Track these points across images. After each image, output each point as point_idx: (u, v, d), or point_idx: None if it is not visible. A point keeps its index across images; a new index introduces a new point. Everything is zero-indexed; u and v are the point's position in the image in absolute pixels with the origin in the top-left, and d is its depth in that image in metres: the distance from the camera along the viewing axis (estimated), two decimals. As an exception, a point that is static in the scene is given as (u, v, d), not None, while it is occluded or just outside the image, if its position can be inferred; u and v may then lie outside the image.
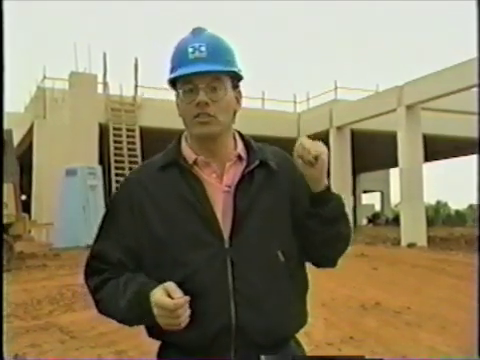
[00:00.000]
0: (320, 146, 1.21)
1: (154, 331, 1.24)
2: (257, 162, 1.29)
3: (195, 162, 1.28)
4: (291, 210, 1.31)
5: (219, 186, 1.27)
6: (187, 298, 1.12)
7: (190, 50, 1.24)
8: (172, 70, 1.28)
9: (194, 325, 1.17)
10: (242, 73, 1.31)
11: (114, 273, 1.25)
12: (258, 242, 1.24)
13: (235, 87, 1.30)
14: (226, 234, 1.23)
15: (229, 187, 1.27)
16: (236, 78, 1.30)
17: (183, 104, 1.26)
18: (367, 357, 1.38)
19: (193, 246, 1.21)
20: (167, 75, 1.29)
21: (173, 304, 1.10)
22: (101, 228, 1.33)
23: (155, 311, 1.13)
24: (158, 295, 1.13)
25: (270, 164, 1.30)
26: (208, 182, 1.26)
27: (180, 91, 1.26)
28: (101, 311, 1.28)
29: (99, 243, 1.31)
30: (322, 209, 1.25)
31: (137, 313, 1.18)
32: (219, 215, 1.24)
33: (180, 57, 1.26)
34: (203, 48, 1.23)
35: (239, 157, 1.31)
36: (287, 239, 1.28)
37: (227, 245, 1.22)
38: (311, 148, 1.19)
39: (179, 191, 1.25)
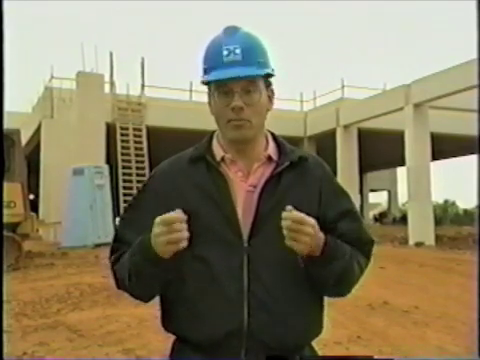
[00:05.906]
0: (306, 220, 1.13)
1: (170, 322, 1.27)
2: (286, 164, 1.27)
3: (222, 159, 1.28)
4: (318, 216, 1.26)
5: (243, 185, 1.26)
6: (184, 216, 1.12)
7: (225, 53, 1.22)
8: (205, 71, 1.26)
9: (207, 320, 1.19)
10: (275, 71, 1.30)
11: None
12: (277, 244, 1.18)
13: (268, 86, 1.29)
14: (245, 233, 1.22)
15: (254, 187, 1.26)
16: (269, 77, 1.29)
17: (217, 106, 1.25)
18: (376, 357, 1.37)
19: (212, 241, 1.21)
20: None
21: (170, 216, 1.11)
22: (125, 214, 1.36)
23: (156, 230, 1.12)
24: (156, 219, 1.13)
25: (300, 167, 1.29)
26: (233, 180, 1.26)
27: (215, 93, 1.25)
28: (118, 282, 1.29)
29: (121, 227, 1.34)
30: (321, 271, 1.20)
31: (141, 257, 1.17)
32: (240, 214, 1.23)
33: (214, 59, 1.23)
34: (238, 51, 1.21)
35: (269, 158, 1.30)
36: None
37: (246, 244, 1.22)
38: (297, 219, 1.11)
39: (203, 186, 1.25)
